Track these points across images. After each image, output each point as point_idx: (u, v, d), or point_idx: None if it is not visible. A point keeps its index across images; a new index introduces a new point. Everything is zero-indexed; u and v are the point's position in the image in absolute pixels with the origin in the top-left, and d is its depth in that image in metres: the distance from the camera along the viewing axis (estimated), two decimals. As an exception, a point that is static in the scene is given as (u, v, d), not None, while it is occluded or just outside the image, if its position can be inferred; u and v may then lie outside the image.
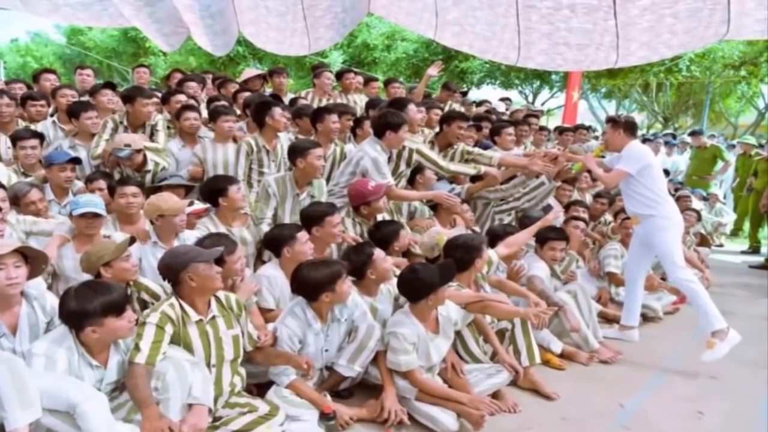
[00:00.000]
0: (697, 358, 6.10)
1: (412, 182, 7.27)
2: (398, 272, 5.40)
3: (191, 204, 5.90)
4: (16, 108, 7.41)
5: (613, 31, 6.60)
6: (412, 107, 7.31)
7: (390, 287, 5.64)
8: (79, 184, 6.38)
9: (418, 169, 7.19)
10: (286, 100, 9.38)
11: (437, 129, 7.97)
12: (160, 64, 29.28)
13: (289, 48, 8.73)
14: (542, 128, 11.68)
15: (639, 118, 34.34)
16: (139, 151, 6.47)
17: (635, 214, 6.65)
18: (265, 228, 6.12)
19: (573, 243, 7.45)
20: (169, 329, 4.13)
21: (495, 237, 6.59)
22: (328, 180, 7.05)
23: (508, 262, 6.53)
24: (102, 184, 6.08)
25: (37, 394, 3.48)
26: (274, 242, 5.56)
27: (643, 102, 32.43)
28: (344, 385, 5.18)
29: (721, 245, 13.60)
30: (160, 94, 8.55)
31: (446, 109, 9.80)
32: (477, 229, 7.51)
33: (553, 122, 26.39)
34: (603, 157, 7.27)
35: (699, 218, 10.60)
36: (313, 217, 5.80)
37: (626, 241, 7.94)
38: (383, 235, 6.15)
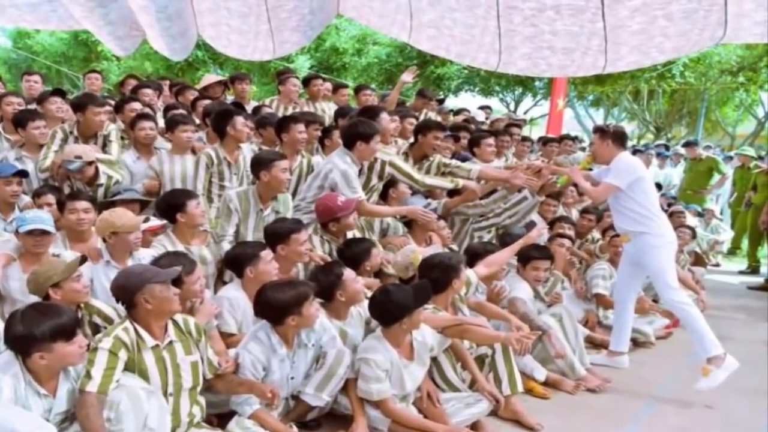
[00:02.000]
0: (692, 387, 6.13)
1: (384, 197, 7.31)
2: (370, 294, 5.43)
3: (147, 220, 5.90)
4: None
5: (602, 34, 6.67)
6: (384, 116, 7.36)
7: (361, 310, 5.66)
8: (26, 198, 6.37)
9: (391, 183, 7.23)
10: (249, 108, 9.38)
11: (412, 139, 8.02)
12: (113, 69, 29.12)
13: (252, 52, 8.79)
14: (525, 139, 11.75)
15: (629, 127, 34.52)
16: (90, 163, 6.47)
17: (625, 231, 6.68)
18: (227, 246, 6.14)
19: (558, 262, 7.48)
20: (122, 355, 4.14)
21: (474, 256, 6.59)
22: (294, 194, 7.08)
23: (488, 283, 6.57)
24: (51, 198, 6.08)
25: (-20, 425, 3.49)
26: (236, 261, 5.58)
27: (634, 110, 32.67)
28: (312, 416, 5.19)
29: (717, 265, 13.67)
30: (113, 102, 8.53)
31: (421, 118, 9.89)
32: (454, 247, 7.56)
33: (536, 132, 26.45)
34: (590, 169, 7.32)
35: (694, 236, 10.64)
36: (278, 234, 5.81)
37: (615, 261, 7.96)
38: (354, 253, 6.14)
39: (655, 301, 8.22)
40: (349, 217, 6.35)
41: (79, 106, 7.14)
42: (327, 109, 10.04)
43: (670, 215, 9.75)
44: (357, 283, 5.50)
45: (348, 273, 5.46)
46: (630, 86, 26.59)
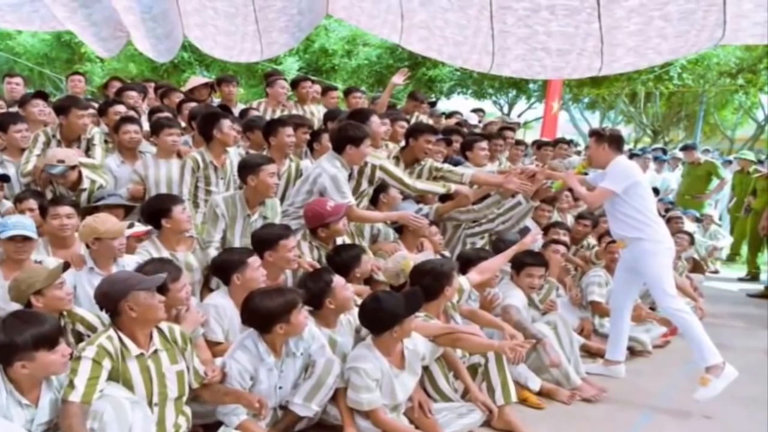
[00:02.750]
0: (690, 396, 6.13)
1: (375, 202, 7.30)
2: (360, 301, 5.44)
3: (131, 226, 5.91)
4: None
5: (597, 35, 6.67)
6: (375, 119, 7.37)
7: (351, 318, 5.67)
8: (8, 203, 6.36)
9: (381, 188, 7.22)
10: (236, 111, 9.37)
11: (403, 143, 8.00)
12: (96, 71, 28.95)
13: (239, 54, 8.80)
14: (519, 142, 11.69)
15: (626, 131, 34.46)
16: (73, 167, 6.47)
17: (621, 237, 6.68)
18: (213, 252, 6.13)
19: (552, 269, 7.47)
20: (106, 364, 4.13)
21: (467, 262, 6.58)
22: (282, 199, 7.08)
23: (481, 290, 6.57)
24: (33, 204, 6.06)
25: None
26: (223, 268, 5.58)
27: (630, 113, 32.64)
28: (300, 426, 5.19)
29: (716, 271, 13.73)
30: (96, 105, 8.52)
31: (413, 121, 9.90)
32: (447, 253, 7.55)
33: (530, 135, 26.49)
34: (586, 174, 7.33)
35: (692, 242, 10.66)
36: (266, 240, 5.81)
37: (611, 267, 7.99)
38: (343, 260, 6.14)
39: (653, 308, 8.24)
40: (339, 223, 6.33)
41: (62, 108, 7.14)
42: (316, 112, 10.06)
43: (668, 221, 9.78)
44: (347, 291, 5.50)
45: (337, 280, 5.46)
46: (626, 88, 26.54)
